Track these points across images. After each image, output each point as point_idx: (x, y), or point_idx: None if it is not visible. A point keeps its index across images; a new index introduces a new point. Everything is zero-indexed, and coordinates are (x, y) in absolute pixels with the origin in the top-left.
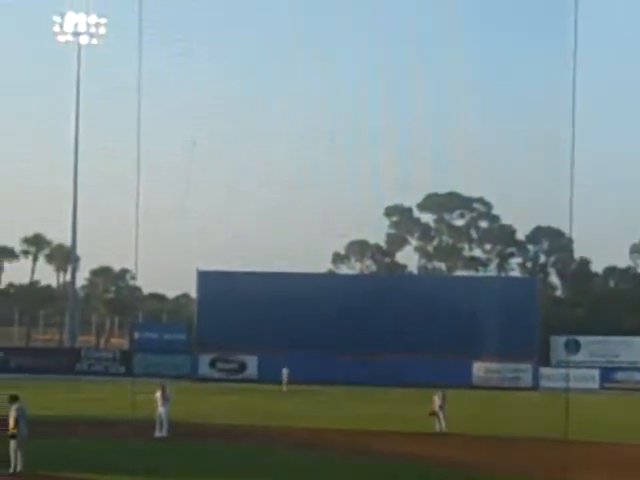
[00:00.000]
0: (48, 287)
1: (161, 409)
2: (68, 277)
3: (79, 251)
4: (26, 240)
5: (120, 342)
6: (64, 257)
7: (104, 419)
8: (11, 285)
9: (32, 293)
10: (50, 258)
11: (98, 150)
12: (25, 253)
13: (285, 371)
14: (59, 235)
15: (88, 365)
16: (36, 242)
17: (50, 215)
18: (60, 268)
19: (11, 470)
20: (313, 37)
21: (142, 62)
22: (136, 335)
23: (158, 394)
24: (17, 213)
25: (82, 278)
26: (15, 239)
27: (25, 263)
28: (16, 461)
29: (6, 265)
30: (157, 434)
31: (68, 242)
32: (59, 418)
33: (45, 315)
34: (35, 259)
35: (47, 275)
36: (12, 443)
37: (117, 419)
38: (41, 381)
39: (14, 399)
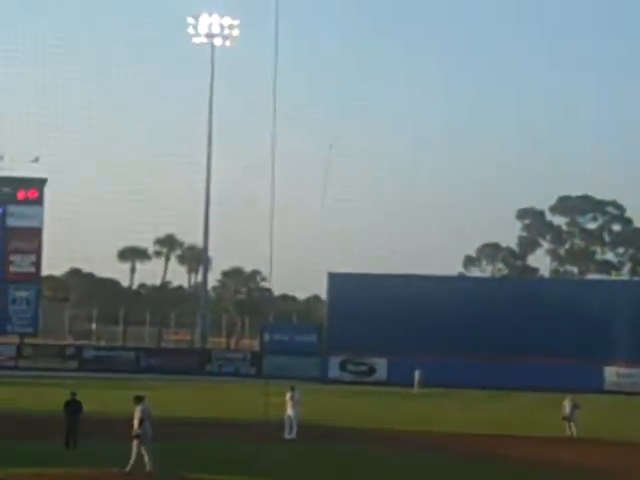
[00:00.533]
0: (179, 288)
1: (290, 411)
2: (199, 278)
3: (211, 252)
4: (158, 241)
5: (250, 343)
6: (196, 258)
7: (234, 420)
8: (143, 286)
9: (164, 294)
10: (182, 259)
11: (231, 150)
12: (157, 254)
13: (417, 373)
14: (191, 236)
15: (218, 366)
16: (168, 243)
17: (182, 216)
18: (192, 269)
19: (127, 469)
20: None
21: (277, 64)
22: (266, 336)
23: (288, 396)
24: (150, 214)
25: (213, 279)
26: (148, 240)
27: (157, 264)
28: (139, 462)
29: (138, 266)
30: (286, 436)
31: (200, 243)
32: (189, 419)
33: (176, 316)
34: (167, 260)
35: (179, 276)
36: (134, 443)
37: (247, 420)
38: (171, 381)
39: (139, 400)
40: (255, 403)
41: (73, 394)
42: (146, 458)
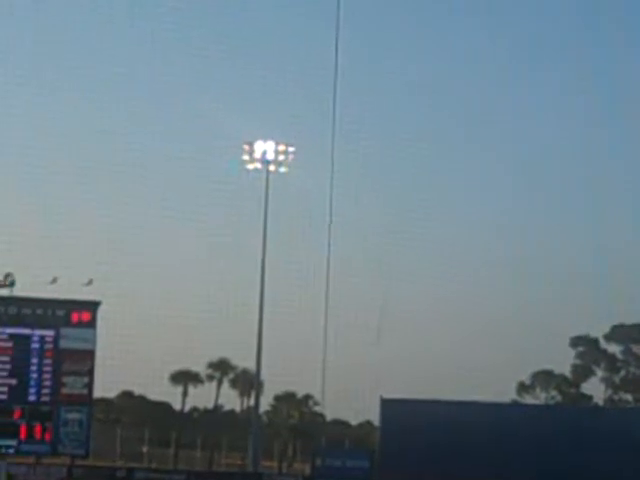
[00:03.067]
0: (231, 412)
1: None
2: (252, 402)
3: (263, 376)
4: (211, 365)
5: (302, 467)
6: (248, 382)
7: None
8: (195, 409)
9: (216, 417)
10: (234, 383)
11: (285, 276)
12: (210, 378)
13: None
14: (244, 360)
15: None
16: (221, 367)
17: (236, 340)
18: (244, 393)
19: None
20: None
21: (333, 191)
22: (318, 461)
23: None
24: (203, 338)
25: (266, 403)
26: (201, 364)
27: (210, 388)
28: None
29: (191, 390)
30: None
31: (253, 367)
32: None
33: (228, 440)
34: (220, 384)
35: (231, 400)
36: None
37: None
38: None
39: None
40: None
41: None
42: None
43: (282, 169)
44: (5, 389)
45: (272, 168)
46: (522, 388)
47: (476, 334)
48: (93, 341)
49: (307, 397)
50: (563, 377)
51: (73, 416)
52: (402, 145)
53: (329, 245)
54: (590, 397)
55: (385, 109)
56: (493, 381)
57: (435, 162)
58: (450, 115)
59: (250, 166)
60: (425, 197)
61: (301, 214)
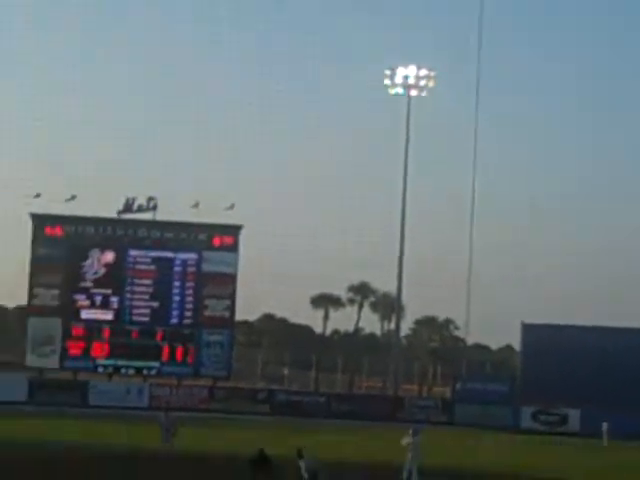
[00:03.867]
0: (372, 335)
1: (409, 455)
2: (392, 326)
3: (404, 300)
4: (352, 288)
5: (442, 391)
6: (389, 306)
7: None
8: (335, 332)
9: (356, 341)
10: (375, 306)
11: (427, 201)
12: (351, 301)
13: (605, 425)
14: (384, 284)
15: (410, 413)
16: (362, 291)
17: (376, 264)
18: (384, 316)
19: None
20: None
21: (478, 115)
22: (458, 385)
23: (407, 440)
24: (344, 262)
25: (406, 327)
26: (342, 287)
27: (350, 311)
28: None
29: (331, 313)
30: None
31: (393, 291)
32: (386, 464)
33: (368, 363)
34: (360, 307)
35: (371, 323)
36: None
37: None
38: (362, 428)
39: (301, 454)
40: (447, 450)
41: (261, 450)
42: None
43: (423, 94)
44: (148, 311)
45: (414, 93)
46: None
47: (619, 258)
48: (235, 265)
49: (448, 321)
50: None
51: (215, 338)
52: (551, 70)
53: (474, 168)
54: None
55: (528, 34)
56: (637, 307)
57: (584, 89)
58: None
59: (392, 91)
60: (570, 124)
61: (443, 139)
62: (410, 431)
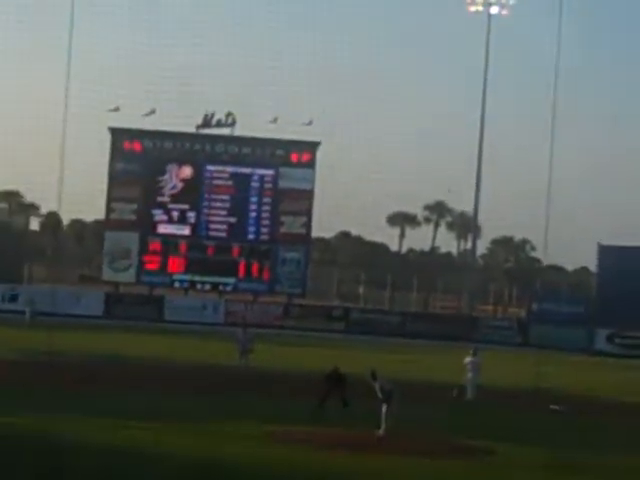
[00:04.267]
0: (448, 254)
1: (469, 375)
2: (468, 245)
3: (480, 220)
4: (428, 207)
5: (518, 312)
6: (465, 225)
7: (501, 389)
8: (411, 251)
9: (432, 260)
10: (451, 226)
11: (506, 121)
12: (427, 220)
13: None
14: (461, 203)
15: (484, 333)
16: (438, 210)
17: (453, 183)
18: (460, 236)
19: (380, 432)
20: None
21: (562, 33)
22: (534, 306)
23: (468, 359)
24: (421, 180)
25: (482, 247)
26: (417, 206)
27: (426, 230)
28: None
29: (407, 231)
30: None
31: (470, 210)
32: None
33: (443, 282)
34: (436, 226)
35: (447, 242)
36: (383, 408)
37: (514, 389)
38: (437, 347)
39: (374, 376)
40: (522, 371)
41: (336, 368)
42: (384, 422)
43: (504, 12)
44: (224, 227)
45: (494, 10)
46: None
47: None
48: (312, 181)
49: (524, 242)
50: None
51: (290, 255)
52: None
53: (555, 88)
54: None
55: None
56: None
57: None
58: None
59: (472, 8)
60: None
61: (523, 59)
62: (471, 351)
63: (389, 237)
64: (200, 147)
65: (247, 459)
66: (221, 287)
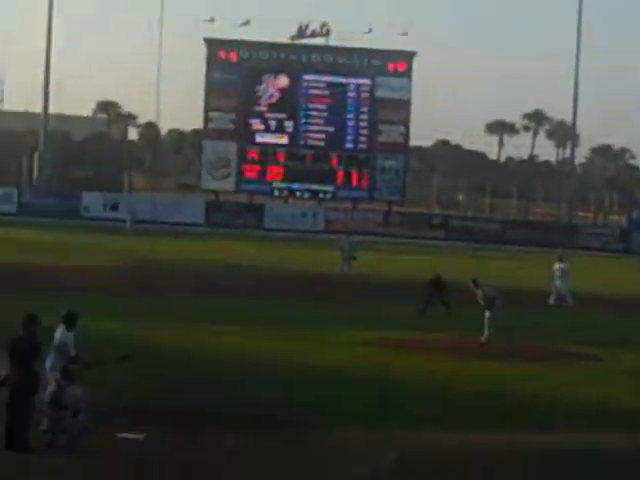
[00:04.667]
0: (547, 162)
1: (557, 281)
2: (567, 153)
3: (579, 128)
4: (527, 116)
5: (618, 219)
6: (564, 134)
7: (603, 295)
8: (510, 159)
9: (531, 168)
10: (550, 134)
11: (603, 28)
12: (525, 128)
13: None
14: (560, 112)
15: (585, 240)
16: (536, 118)
17: (551, 91)
18: (559, 144)
19: (483, 339)
20: None
21: None
22: (634, 213)
23: (556, 266)
24: (519, 89)
25: (581, 155)
26: (516, 115)
27: (525, 138)
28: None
29: (506, 139)
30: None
31: (569, 119)
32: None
33: (542, 190)
34: (535, 135)
35: (546, 150)
36: (486, 315)
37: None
38: (535, 254)
39: (476, 283)
40: (625, 278)
41: (438, 274)
42: (486, 328)
43: None
44: (322, 136)
45: None
46: None
47: None
48: (408, 90)
49: (623, 150)
50: None
51: (389, 164)
52: None
53: None
54: None
55: None
56: None
57: None
58: None
59: None
60: None
61: None
62: (558, 257)
63: (488, 146)
64: (296, 57)
65: (353, 365)
66: (320, 195)
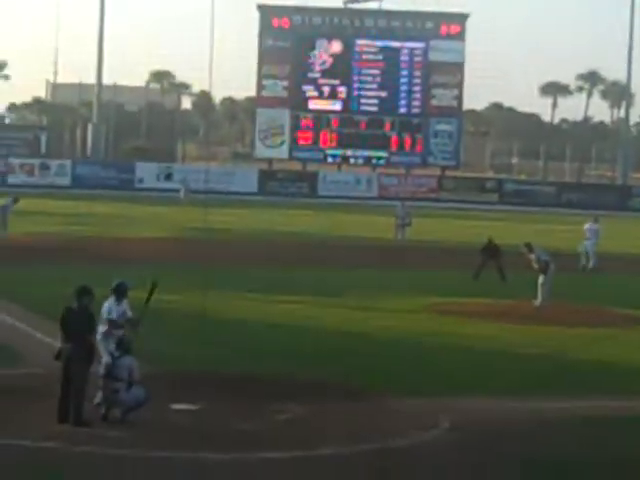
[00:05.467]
0: (601, 123)
1: (586, 242)
2: (622, 114)
3: (634, 88)
4: (581, 76)
5: None
6: (619, 94)
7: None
8: (564, 121)
9: (585, 129)
10: (604, 94)
11: None
12: (579, 89)
13: None
14: (614, 72)
15: (638, 202)
16: (591, 78)
17: (606, 51)
18: (614, 105)
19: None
20: None
21: None
22: None
23: (587, 226)
24: (573, 49)
25: (636, 115)
26: (570, 75)
27: (579, 99)
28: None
29: (560, 101)
30: (583, 264)
31: (623, 78)
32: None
33: (597, 152)
34: (589, 95)
35: (601, 111)
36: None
37: None
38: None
39: (530, 246)
40: None
41: (491, 239)
42: (540, 293)
43: None
44: (375, 101)
45: None
46: None
47: None
48: (462, 53)
49: None
50: None
51: (443, 128)
52: None
53: None
54: None
55: None
56: None
57: None
58: None
59: None
60: None
61: None
62: (593, 218)
63: (542, 107)
64: (349, 22)
65: (408, 330)
66: (374, 161)
